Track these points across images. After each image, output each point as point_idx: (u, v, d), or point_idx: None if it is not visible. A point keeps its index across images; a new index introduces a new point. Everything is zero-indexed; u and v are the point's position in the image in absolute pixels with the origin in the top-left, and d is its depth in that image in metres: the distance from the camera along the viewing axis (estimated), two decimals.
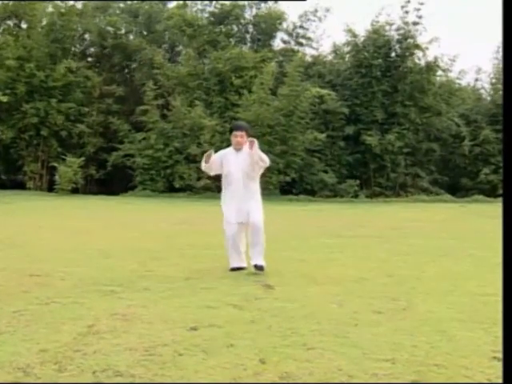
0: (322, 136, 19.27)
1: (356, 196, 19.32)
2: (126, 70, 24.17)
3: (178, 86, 21.16)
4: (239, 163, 4.76)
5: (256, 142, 4.63)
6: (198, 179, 19.82)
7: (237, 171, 4.74)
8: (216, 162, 4.87)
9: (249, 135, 4.86)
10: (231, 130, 4.87)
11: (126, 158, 20.45)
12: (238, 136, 4.78)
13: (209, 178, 19.44)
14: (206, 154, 4.86)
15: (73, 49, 22.10)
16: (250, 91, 19.37)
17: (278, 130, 19.09)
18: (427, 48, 20.25)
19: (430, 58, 20.42)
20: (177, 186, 19.76)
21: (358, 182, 19.79)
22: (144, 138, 20.62)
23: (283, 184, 19.10)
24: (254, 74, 19.74)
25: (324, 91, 19.75)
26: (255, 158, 4.62)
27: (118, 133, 20.99)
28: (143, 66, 22.23)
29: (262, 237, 4.69)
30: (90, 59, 23.25)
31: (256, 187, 4.83)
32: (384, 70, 20.56)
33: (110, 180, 21.92)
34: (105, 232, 8.01)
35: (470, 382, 2.31)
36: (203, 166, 4.91)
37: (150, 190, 19.77)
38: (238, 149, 4.80)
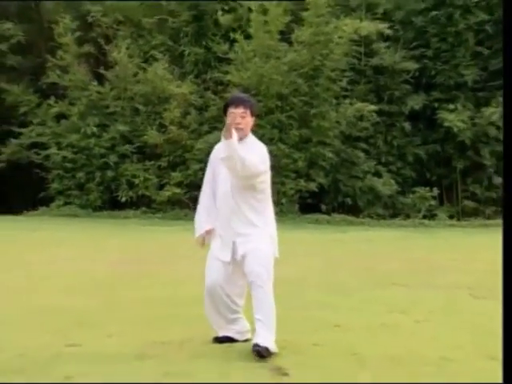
0: (371, 108, 19.22)
1: (432, 216, 19.37)
2: None
3: (122, 24, 21.29)
4: None
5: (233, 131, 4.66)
6: (161, 187, 19.85)
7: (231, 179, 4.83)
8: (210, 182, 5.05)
9: (254, 114, 5.02)
10: (226, 107, 4.97)
11: (33, 151, 20.53)
12: (238, 115, 4.86)
13: (179, 184, 19.52)
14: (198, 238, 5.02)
15: None
16: (246, 36, 19.51)
17: (295, 103, 19.18)
18: None
19: None
20: (123, 198, 19.82)
21: (435, 191, 19.83)
22: (62, 115, 20.70)
23: (305, 195, 19.15)
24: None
25: (372, 27, 19.64)
26: (238, 166, 4.61)
27: (15, 106, 21.07)
28: None
29: (267, 299, 4.67)
30: None
31: (264, 205, 4.91)
32: None
33: (2, 189, 21.94)
34: None
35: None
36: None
37: (76, 205, 19.84)
38: (239, 137, 4.85)
